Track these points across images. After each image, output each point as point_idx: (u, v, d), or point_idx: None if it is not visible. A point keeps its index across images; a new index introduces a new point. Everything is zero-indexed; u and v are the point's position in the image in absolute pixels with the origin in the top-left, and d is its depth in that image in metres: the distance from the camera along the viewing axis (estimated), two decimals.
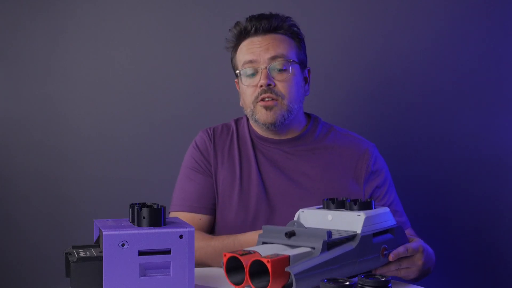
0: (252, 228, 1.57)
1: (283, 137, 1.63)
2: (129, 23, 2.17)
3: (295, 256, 1.06)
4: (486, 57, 2.05)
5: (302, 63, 1.62)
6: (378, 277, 0.97)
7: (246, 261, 1.05)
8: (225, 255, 1.09)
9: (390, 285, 0.96)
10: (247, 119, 1.69)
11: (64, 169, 2.19)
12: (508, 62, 2.04)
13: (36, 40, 2.18)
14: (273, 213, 1.58)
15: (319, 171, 1.60)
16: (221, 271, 1.17)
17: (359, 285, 0.96)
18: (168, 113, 2.17)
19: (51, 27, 2.18)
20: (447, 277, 2.06)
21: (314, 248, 1.10)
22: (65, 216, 2.19)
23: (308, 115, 1.69)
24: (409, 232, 1.61)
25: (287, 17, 1.61)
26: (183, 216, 1.59)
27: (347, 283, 0.93)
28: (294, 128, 1.63)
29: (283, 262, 1.04)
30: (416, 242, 1.31)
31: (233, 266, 1.09)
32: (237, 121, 1.70)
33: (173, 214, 1.61)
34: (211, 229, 1.63)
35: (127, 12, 2.17)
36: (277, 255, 1.05)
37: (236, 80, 1.67)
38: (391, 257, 1.23)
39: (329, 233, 1.11)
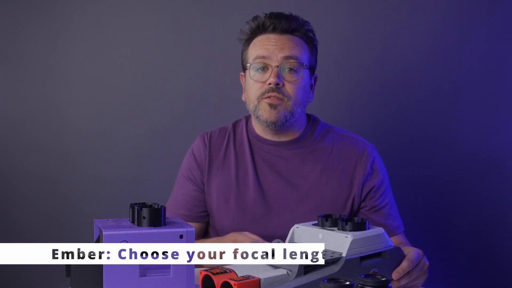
0: (252, 231, 1.56)
1: (282, 139, 1.62)
2: (129, 23, 2.17)
3: (267, 279, 1.04)
4: (486, 57, 2.05)
5: (312, 68, 1.62)
6: (378, 277, 0.97)
7: (218, 281, 1.05)
8: (201, 273, 1.09)
9: (390, 285, 0.95)
10: (246, 122, 1.68)
11: (64, 169, 2.19)
12: (508, 62, 2.04)
13: (36, 40, 2.18)
14: (270, 216, 1.57)
15: (318, 173, 1.59)
16: None
17: (359, 285, 0.96)
18: (168, 113, 2.17)
19: (51, 27, 2.18)
20: (447, 277, 2.06)
21: (291, 271, 1.08)
22: (65, 216, 2.19)
23: (307, 116, 1.68)
24: (399, 238, 1.60)
25: (306, 21, 1.61)
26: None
27: (347, 283, 0.93)
28: (294, 130, 1.62)
29: (252, 285, 1.02)
30: (414, 251, 1.28)
31: (212, 284, 1.08)
32: (235, 124, 1.69)
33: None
34: (201, 236, 1.65)
35: (127, 12, 2.17)
36: (249, 277, 1.04)
37: (241, 73, 1.66)
38: (395, 276, 1.20)
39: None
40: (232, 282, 1.01)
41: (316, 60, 1.64)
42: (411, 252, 1.27)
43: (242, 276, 1.04)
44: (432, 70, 2.08)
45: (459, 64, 2.06)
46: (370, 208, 1.60)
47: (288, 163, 1.61)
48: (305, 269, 1.08)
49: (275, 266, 1.11)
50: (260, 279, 1.04)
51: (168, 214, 1.62)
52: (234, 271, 1.08)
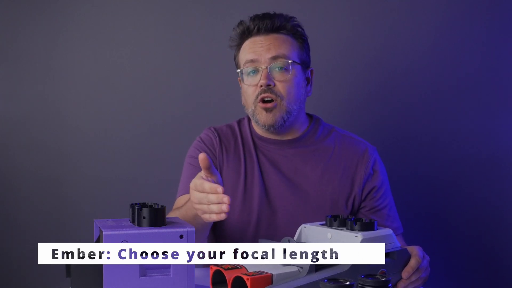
0: (256, 229, 1.57)
1: (284, 138, 1.63)
2: (129, 23, 2.17)
3: (279, 275, 1.05)
4: (486, 57, 2.05)
5: (304, 63, 1.62)
6: (378, 277, 0.97)
7: (229, 276, 1.05)
8: (211, 268, 1.09)
9: (390, 285, 0.96)
10: (248, 120, 1.69)
11: (64, 169, 2.19)
12: (508, 62, 2.04)
13: (36, 40, 2.18)
14: (274, 214, 1.58)
15: (319, 172, 1.60)
16: None
17: (359, 285, 0.96)
18: (168, 113, 2.17)
19: (51, 27, 2.18)
20: (447, 277, 2.06)
21: (302, 268, 1.09)
22: (65, 216, 2.19)
23: (309, 116, 1.69)
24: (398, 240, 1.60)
25: (291, 17, 1.60)
26: (187, 197, 1.53)
27: (347, 283, 0.93)
28: (295, 129, 1.63)
29: (264, 280, 1.03)
30: (417, 248, 1.30)
31: (221, 280, 1.09)
32: (239, 122, 1.70)
33: (178, 200, 1.58)
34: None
35: (127, 12, 2.17)
36: (260, 272, 1.04)
37: (239, 78, 1.67)
38: (405, 275, 1.23)
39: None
40: (245, 277, 1.01)
41: (308, 54, 1.64)
42: (414, 249, 1.29)
43: (254, 272, 1.05)
44: (432, 70, 2.08)
45: (459, 64, 2.06)
46: (370, 208, 1.60)
47: (290, 161, 1.61)
48: (316, 267, 1.09)
49: (284, 264, 1.12)
50: (272, 274, 1.04)
51: (181, 194, 1.58)
52: (244, 267, 1.09)
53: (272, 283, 1.04)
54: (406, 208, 1.96)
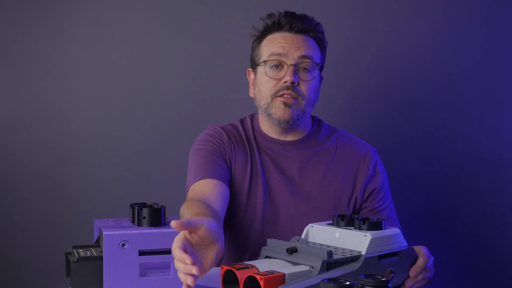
0: (262, 229, 1.58)
1: (288, 139, 1.63)
2: (129, 23, 2.17)
3: (291, 274, 1.05)
4: (486, 56, 2.05)
5: (322, 69, 1.63)
6: (378, 277, 0.97)
7: (241, 276, 1.05)
8: (222, 268, 1.09)
9: (390, 285, 0.96)
10: (251, 119, 1.69)
11: (64, 169, 2.19)
12: (508, 61, 2.04)
13: (36, 40, 2.18)
14: (276, 214, 1.59)
15: (322, 173, 1.60)
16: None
17: (359, 285, 0.96)
18: (168, 113, 2.17)
19: (51, 27, 2.18)
20: (447, 277, 2.06)
21: (313, 267, 1.09)
22: (65, 216, 2.19)
23: (311, 118, 1.69)
24: None
25: (319, 23, 1.62)
26: (203, 183, 1.51)
27: (347, 283, 0.93)
28: (300, 130, 1.63)
29: (277, 280, 1.03)
30: (423, 248, 1.32)
31: (232, 280, 1.09)
32: (242, 122, 1.70)
33: (192, 189, 1.52)
34: (227, 205, 1.54)
35: (127, 12, 2.17)
36: (273, 272, 1.04)
37: (249, 69, 1.67)
38: (412, 274, 1.25)
39: (330, 252, 1.09)
40: (258, 277, 1.01)
41: (324, 61, 1.65)
42: (421, 249, 1.31)
43: (267, 271, 1.05)
44: (432, 70, 2.08)
45: (460, 63, 2.06)
46: (370, 209, 1.61)
47: (292, 162, 1.62)
48: (327, 266, 1.09)
49: (294, 263, 1.12)
50: (284, 274, 1.04)
51: (194, 181, 1.53)
52: (255, 266, 1.09)
53: (284, 283, 1.04)
54: (406, 207, 1.96)
